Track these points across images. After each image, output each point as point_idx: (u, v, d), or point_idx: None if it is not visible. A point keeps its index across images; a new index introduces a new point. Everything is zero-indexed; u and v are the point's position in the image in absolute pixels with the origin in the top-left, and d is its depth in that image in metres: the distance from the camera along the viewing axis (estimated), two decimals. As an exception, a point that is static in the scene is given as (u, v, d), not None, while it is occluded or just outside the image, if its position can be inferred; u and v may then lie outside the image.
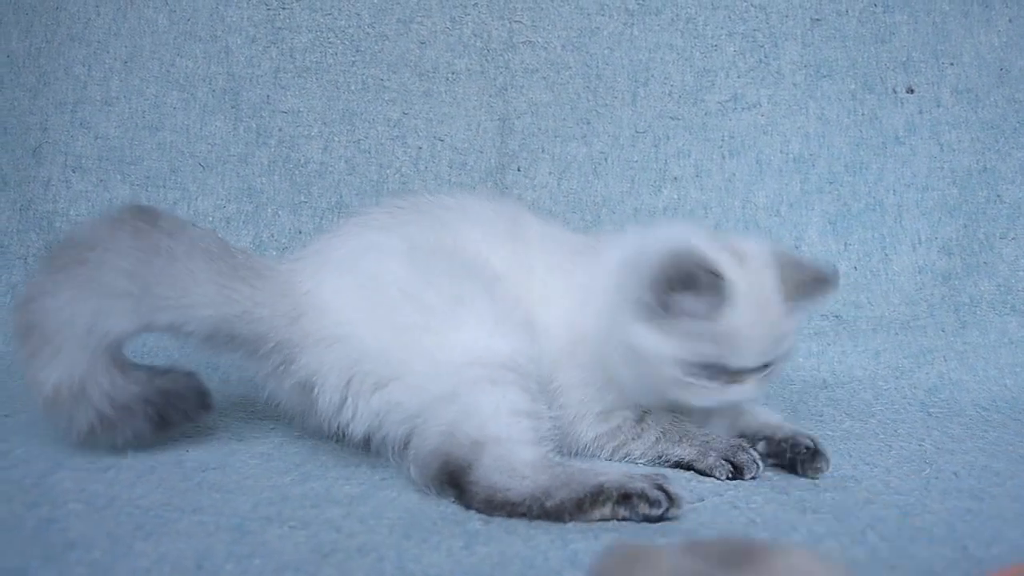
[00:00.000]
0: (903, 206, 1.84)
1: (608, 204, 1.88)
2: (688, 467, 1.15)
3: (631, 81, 1.91)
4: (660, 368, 1.07)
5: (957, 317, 1.78)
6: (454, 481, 0.97)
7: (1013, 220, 1.80)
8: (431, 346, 1.04)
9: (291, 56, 1.90)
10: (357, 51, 1.91)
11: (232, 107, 1.89)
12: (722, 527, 0.94)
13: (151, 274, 1.03)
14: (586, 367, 1.16)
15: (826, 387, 1.68)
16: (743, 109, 1.89)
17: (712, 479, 1.12)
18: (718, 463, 1.12)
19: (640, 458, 1.17)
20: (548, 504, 0.93)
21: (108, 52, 1.89)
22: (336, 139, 1.89)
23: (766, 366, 1.10)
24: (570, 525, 0.91)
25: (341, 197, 1.87)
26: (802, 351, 1.74)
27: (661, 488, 0.94)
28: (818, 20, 1.90)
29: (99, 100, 1.87)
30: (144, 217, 1.06)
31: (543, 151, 1.89)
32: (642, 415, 1.18)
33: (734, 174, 1.88)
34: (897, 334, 1.77)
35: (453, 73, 1.91)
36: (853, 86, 1.89)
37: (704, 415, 1.20)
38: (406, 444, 1.04)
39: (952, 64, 1.87)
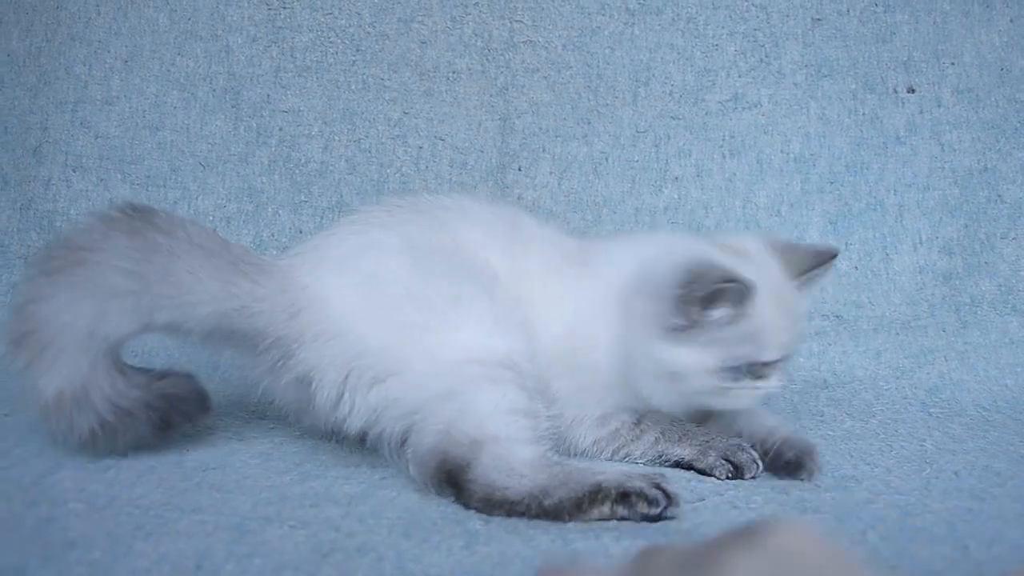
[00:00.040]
0: (904, 206, 1.84)
1: (609, 204, 1.88)
2: (688, 467, 1.15)
3: (632, 81, 1.91)
4: (699, 381, 1.08)
5: (958, 317, 1.78)
6: (452, 480, 0.97)
7: (1014, 220, 1.80)
8: (429, 344, 1.04)
9: (292, 55, 1.90)
10: (358, 50, 1.91)
11: (233, 106, 1.89)
12: (721, 527, 0.94)
13: (152, 273, 1.02)
14: (584, 373, 1.16)
15: (827, 387, 1.68)
16: (744, 109, 1.89)
17: (712, 479, 1.12)
18: (718, 462, 1.12)
19: (640, 458, 1.17)
20: (547, 503, 0.93)
21: (109, 51, 1.89)
22: (337, 138, 1.89)
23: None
24: (570, 525, 0.91)
25: (341, 196, 1.87)
26: (803, 351, 1.74)
27: (659, 487, 0.94)
28: (819, 20, 1.90)
29: (100, 99, 1.87)
30: (139, 216, 1.05)
31: (544, 151, 1.89)
32: (640, 417, 1.18)
33: (735, 174, 1.88)
34: (898, 334, 1.77)
35: (454, 72, 1.91)
36: (854, 86, 1.88)
37: (703, 416, 1.20)
38: (403, 441, 1.04)
39: (953, 64, 1.86)
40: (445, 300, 1.07)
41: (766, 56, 1.90)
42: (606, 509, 0.93)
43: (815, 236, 1.84)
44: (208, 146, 1.87)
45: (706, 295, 1.04)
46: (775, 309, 1.09)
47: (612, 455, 1.17)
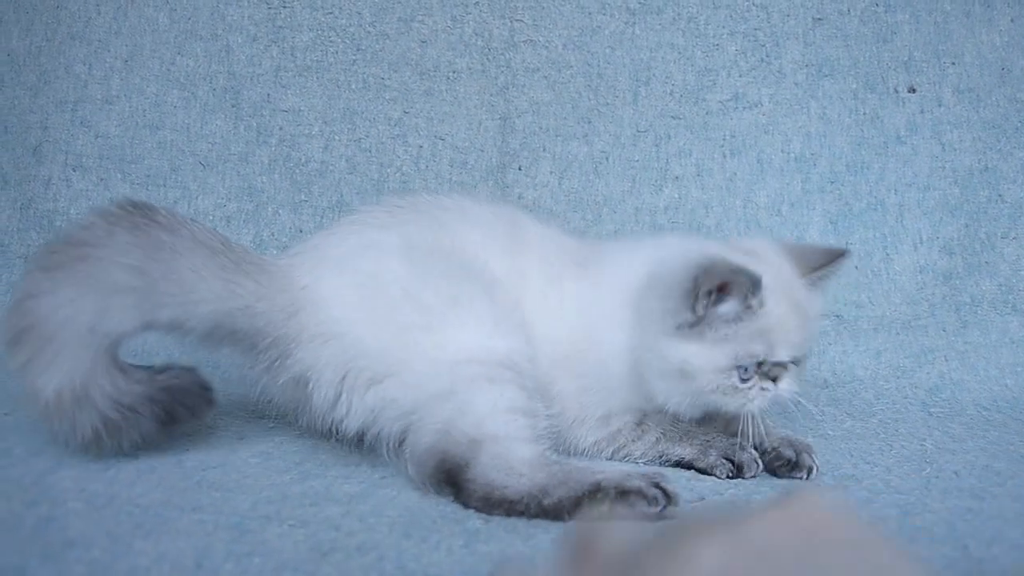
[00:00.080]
0: (904, 206, 1.84)
1: (609, 203, 1.88)
2: (689, 466, 1.15)
3: (632, 80, 1.91)
4: (708, 379, 1.07)
5: (958, 317, 1.77)
6: (451, 479, 0.97)
7: (1014, 220, 1.80)
8: (428, 344, 1.04)
9: (292, 55, 1.90)
10: (358, 50, 1.91)
11: (233, 106, 1.89)
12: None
13: (155, 270, 1.01)
14: (588, 374, 1.16)
15: (827, 387, 1.68)
16: (744, 108, 1.89)
17: (712, 478, 1.12)
18: (719, 462, 1.12)
19: (640, 458, 1.17)
20: (546, 502, 0.93)
21: (109, 51, 1.88)
22: (337, 138, 1.89)
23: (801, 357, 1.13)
24: (569, 524, 0.91)
25: (342, 196, 1.87)
26: (803, 350, 1.74)
27: (659, 486, 0.94)
28: (820, 19, 1.90)
29: (100, 99, 1.87)
30: (141, 213, 1.04)
31: (544, 150, 1.89)
32: (641, 418, 1.17)
33: (735, 173, 1.88)
34: (898, 334, 1.77)
35: (454, 72, 1.91)
36: (855, 85, 1.88)
37: (703, 417, 1.20)
38: (401, 441, 1.04)
39: (954, 64, 1.86)
40: (444, 301, 1.06)
41: (767, 56, 1.90)
42: (605, 508, 0.93)
43: (815, 235, 1.83)
44: (208, 145, 1.87)
45: (714, 289, 1.04)
46: (785, 306, 1.09)
47: (612, 455, 1.18)
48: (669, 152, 1.89)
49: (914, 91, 1.87)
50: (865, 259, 1.82)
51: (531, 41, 1.91)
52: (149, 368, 1.09)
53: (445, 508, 0.95)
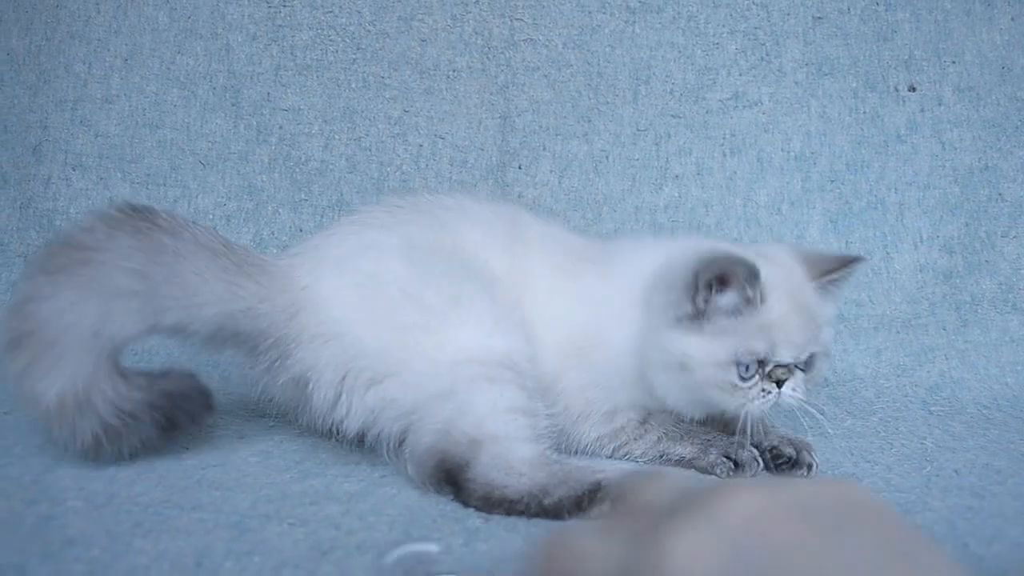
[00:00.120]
0: (904, 204, 1.84)
1: (609, 202, 1.88)
2: (689, 465, 1.15)
3: (632, 79, 1.91)
4: (707, 372, 1.06)
5: (958, 315, 1.77)
6: (451, 479, 0.97)
7: (1015, 218, 1.80)
8: (428, 344, 1.04)
9: (292, 54, 1.90)
10: (358, 49, 1.91)
11: (233, 105, 1.89)
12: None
13: (158, 273, 1.00)
14: (595, 369, 1.15)
15: (827, 385, 1.67)
16: (744, 107, 1.89)
17: (713, 476, 1.12)
18: (719, 460, 1.12)
19: (641, 457, 1.17)
20: (546, 502, 0.93)
21: (108, 50, 1.88)
22: (337, 137, 1.89)
23: (808, 361, 1.11)
24: (570, 522, 0.91)
25: (342, 195, 1.87)
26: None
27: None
28: (820, 18, 1.90)
29: (99, 98, 1.87)
30: (142, 216, 1.03)
31: (544, 149, 1.89)
32: (645, 416, 1.17)
33: (735, 172, 1.88)
34: (898, 332, 1.77)
35: (454, 71, 1.91)
36: (855, 84, 1.88)
37: (707, 418, 1.19)
38: (401, 441, 1.03)
39: (954, 62, 1.86)
40: (444, 301, 1.06)
41: (767, 54, 1.90)
42: (606, 507, 0.93)
43: (816, 234, 1.83)
44: (208, 144, 1.87)
45: (713, 280, 1.04)
46: (789, 305, 1.07)
47: (613, 452, 1.17)
48: (669, 151, 1.89)
49: (914, 90, 1.87)
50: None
51: (531, 40, 1.91)
52: (149, 373, 1.08)
53: (445, 507, 0.95)
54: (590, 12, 1.91)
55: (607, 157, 1.89)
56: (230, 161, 1.87)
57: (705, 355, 1.05)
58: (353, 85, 1.90)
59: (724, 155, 1.88)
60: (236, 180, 1.86)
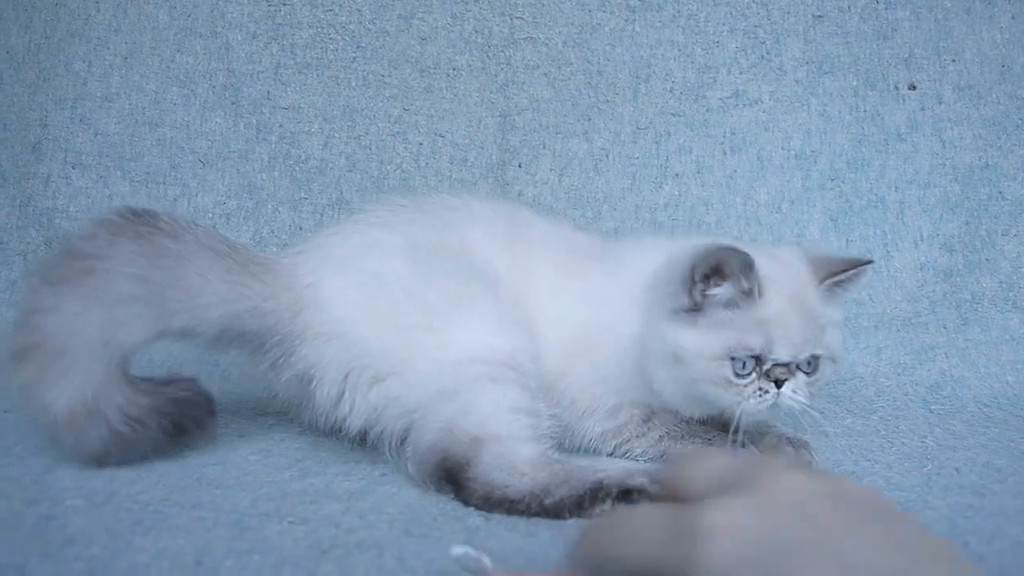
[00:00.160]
0: (905, 203, 1.84)
1: (609, 200, 1.87)
2: (689, 464, 1.15)
3: (632, 77, 1.90)
4: (701, 366, 1.05)
5: (959, 314, 1.77)
6: (452, 478, 0.97)
7: (1015, 217, 1.80)
8: (431, 343, 1.04)
9: (291, 52, 1.90)
10: (358, 47, 1.91)
11: (232, 103, 1.88)
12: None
13: (163, 278, 1.00)
14: (602, 366, 1.15)
15: (828, 383, 1.67)
16: (745, 105, 1.89)
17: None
18: (719, 459, 1.12)
19: (642, 455, 1.17)
20: (547, 502, 0.93)
21: (108, 48, 1.88)
22: (337, 135, 1.89)
23: (812, 363, 1.09)
24: (571, 521, 0.91)
25: (341, 193, 1.87)
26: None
27: (661, 484, 0.93)
28: (820, 17, 1.90)
29: (99, 96, 1.87)
30: (142, 220, 1.02)
31: (544, 147, 1.89)
32: (649, 415, 1.17)
33: (735, 170, 1.87)
34: (899, 331, 1.77)
35: (454, 69, 1.91)
36: (855, 83, 1.88)
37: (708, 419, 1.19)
38: (403, 440, 1.03)
39: (954, 61, 1.86)
40: (448, 300, 1.06)
41: (767, 53, 1.90)
42: (607, 507, 0.92)
43: (816, 233, 1.83)
44: (208, 143, 1.87)
45: (707, 268, 1.04)
46: (789, 303, 1.06)
47: (615, 448, 1.18)
48: (669, 149, 1.89)
49: (914, 88, 1.87)
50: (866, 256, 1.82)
51: (531, 38, 1.91)
52: (154, 380, 1.08)
53: (445, 505, 0.95)
54: (590, 10, 1.91)
55: (607, 155, 1.89)
56: (230, 159, 1.87)
57: (700, 348, 1.05)
58: (353, 83, 1.90)
59: (724, 153, 1.88)
60: (236, 178, 1.86)
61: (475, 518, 0.91)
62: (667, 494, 0.62)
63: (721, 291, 1.05)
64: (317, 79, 1.89)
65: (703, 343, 1.05)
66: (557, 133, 1.89)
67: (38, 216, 1.83)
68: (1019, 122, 1.83)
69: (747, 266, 1.03)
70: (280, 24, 1.90)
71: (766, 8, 1.90)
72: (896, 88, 1.87)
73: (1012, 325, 1.74)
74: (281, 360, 1.07)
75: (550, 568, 0.75)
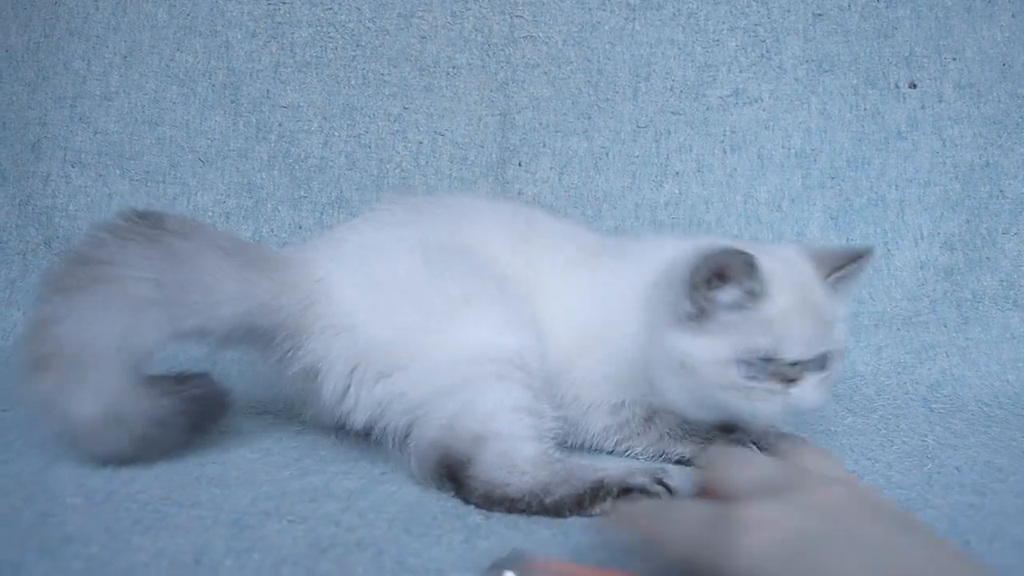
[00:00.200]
0: (905, 201, 1.84)
1: (609, 199, 1.87)
2: (688, 463, 1.15)
3: (632, 76, 1.90)
4: (710, 372, 1.02)
5: (959, 313, 1.77)
6: (452, 475, 0.96)
7: (1016, 215, 1.80)
8: (439, 340, 1.04)
9: (291, 51, 1.90)
10: (357, 46, 1.90)
11: (232, 102, 1.88)
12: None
13: (177, 280, 1.00)
14: (607, 363, 1.15)
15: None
16: (745, 104, 1.89)
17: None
18: (718, 459, 1.12)
19: (642, 454, 1.17)
20: (548, 501, 0.92)
21: (107, 47, 1.88)
22: (336, 134, 1.89)
23: (822, 360, 1.06)
24: (571, 519, 0.91)
25: (341, 192, 1.87)
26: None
27: (662, 482, 0.93)
28: (820, 15, 1.89)
29: (98, 95, 1.87)
30: (151, 222, 1.02)
31: (544, 146, 1.89)
32: (651, 414, 1.17)
33: (736, 169, 1.87)
34: (899, 330, 1.77)
35: (454, 68, 1.90)
36: (855, 81, 1.88)
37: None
38: (407, 436, 1.03)
39: (955, 59, 1.86)
40: (456, 298, 1.06)
41: (767, 51, 1.90)
42: (608, 506, 0.92)
43: (816, 231, 1.83)
44: (207, 142, 1.87)
45: (709, 272, 1.01)
46: (794, 300, 1.03)
47: (616, 445, 1.17)
48: (669, 148, 1.88)
49: (915, 87, 1.86)
50: (866, 255, 1.82)
51: (531, 37, 1.91)
52: (169, 377, 1.07)
53: (445, 504, 0.95)
54: (590, 9, 1.91)
55: (607, 154, 1.89)
56: (229, 158, 1.87)
57: (707, 354, 1.02)
58: (353, 82, 1.90)
59: (724, 152, 1.88)
60: (235, 177, 1.86)
61: (475, 516, 0.91)
62: (704, 492, 0.65)
63: (725, 294, 1.02)
64: (317, 78, 1.89)
65: (711, 349, 1.02)
66: (557, 131, 1.89)
67: (37, 215, 1.82)
68: (1020, 120, 1.82)
69: (750, 267, 1.00)
70: (279, 22, 1.90)
71: (766, 6, 1.90)
72: (896, 86, 1.87)
73: (1013, 324, 1.74)
74: (289, 354, 1.08)
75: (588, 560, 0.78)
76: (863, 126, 1.87)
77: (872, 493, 0.59)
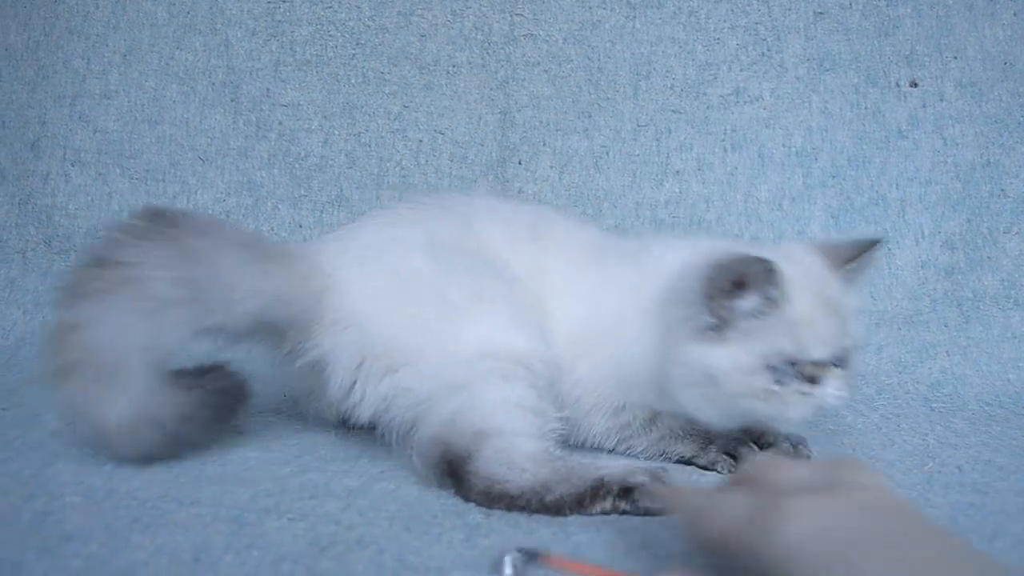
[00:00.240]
0: (906, 200, 1.84)
1: (610, 198, 1.87)
2: (689, 462, 1.15)
3: (633, 74, 1.90)
4: (736, 382, 1.00)
5: (960, 312, 1.77)
6: (453, 470, 0.96)
7: (1017, 215, 1.79)
8: (446, 337, 1.04)
9: (291, 49, 1.89)
10: (357, 44, 1.90)
11: (232, 100, 1.88)
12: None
13: (196, 278, 1.00)
14: (610, 365, 1.14)
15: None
16: (745, 103, 1.89)
17: (715, 472, 1.11)
18: (719, 457, 1.12)
19: (642, 453, 1.17)
20: (548, 498, 0.92)
21: (107, 45, 1.88)
22: (336, 132, 1.88)
23: (844, 357, 1.05)
24: (572, 518, 0.91)
25: (341, 191, 1.87)
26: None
27: (662, 481, 0.93)
28: (821, 13, 1.89)
29: (98, 93, 1.87)
30: (167, 221, 1.02)
31: (544, 144, 1.89)
32: (652, 416, 1.17)
33: (736, 168, 1.87)
34: (900, 329, 1.77)
35: (454, 66, 1.90)
36: (856, 80, 1.88)
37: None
38: (411, 431, 1.03)
39: (956, 58, 1.85)
40: (465, 296, 1.07)
41: (768, 50, 1.89)
42: (608, 504, 0.92)
43: (817, 230, 1.83)
44: (207, 140, 1.87)
45: (727, 281, 0.99)
46: (814, 300, 1.02)
47: (616, 445, 1.17)
48: (670, 146, 1.88)
49: (916, 85, 1.86)
50: (867, 254, 1.82)
51: (531, 35, 1.90)
52: (191, 371, 1.08)
53: (446, 502, 0.95)
54: (590, 7, 1.90)
55: (607, 153, 1.88)
56: (229, 157, 1.86)
57: (732, 364, 0.99)
58: (352, 81, 1.89)
59: (725, 151, 1.88)
60: (235, 176, 1.86)
61: (475, 515, 0.91)
62: (741, 484, 0.71)
63: (745, 302, 0.99)
64: (317, 76, 1.89)
65: (735, 358, 0.99)
66: (557, 130, 1.89)
67: (37, 214, 1.82)
68: (1021, 119, 1.82)
69: (771, 272, 0.98)
70: (279, 21, 1.89)
71: (767, 5, 1.89)
72: (897, 85, 1.87)
73: (1013, 323, 1.74)
74: (298, 347, 1.08)
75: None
76: (864, 125, 1.86)
77: (906, 504, 0.64)
